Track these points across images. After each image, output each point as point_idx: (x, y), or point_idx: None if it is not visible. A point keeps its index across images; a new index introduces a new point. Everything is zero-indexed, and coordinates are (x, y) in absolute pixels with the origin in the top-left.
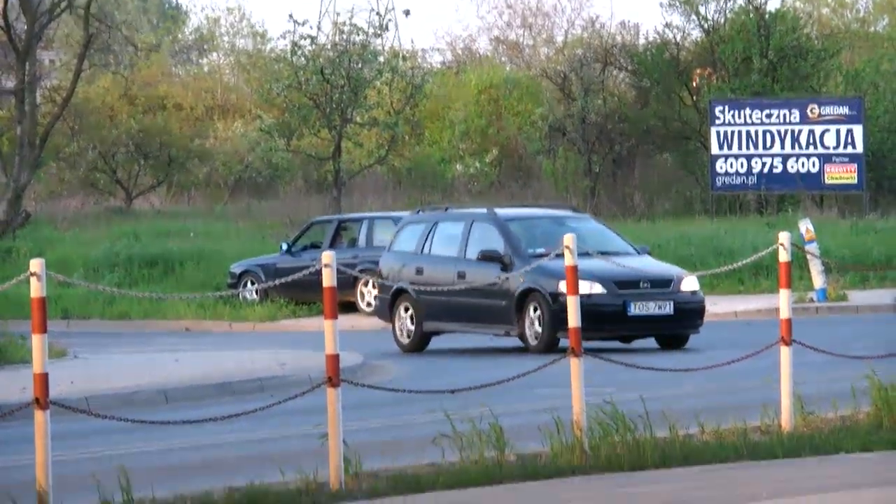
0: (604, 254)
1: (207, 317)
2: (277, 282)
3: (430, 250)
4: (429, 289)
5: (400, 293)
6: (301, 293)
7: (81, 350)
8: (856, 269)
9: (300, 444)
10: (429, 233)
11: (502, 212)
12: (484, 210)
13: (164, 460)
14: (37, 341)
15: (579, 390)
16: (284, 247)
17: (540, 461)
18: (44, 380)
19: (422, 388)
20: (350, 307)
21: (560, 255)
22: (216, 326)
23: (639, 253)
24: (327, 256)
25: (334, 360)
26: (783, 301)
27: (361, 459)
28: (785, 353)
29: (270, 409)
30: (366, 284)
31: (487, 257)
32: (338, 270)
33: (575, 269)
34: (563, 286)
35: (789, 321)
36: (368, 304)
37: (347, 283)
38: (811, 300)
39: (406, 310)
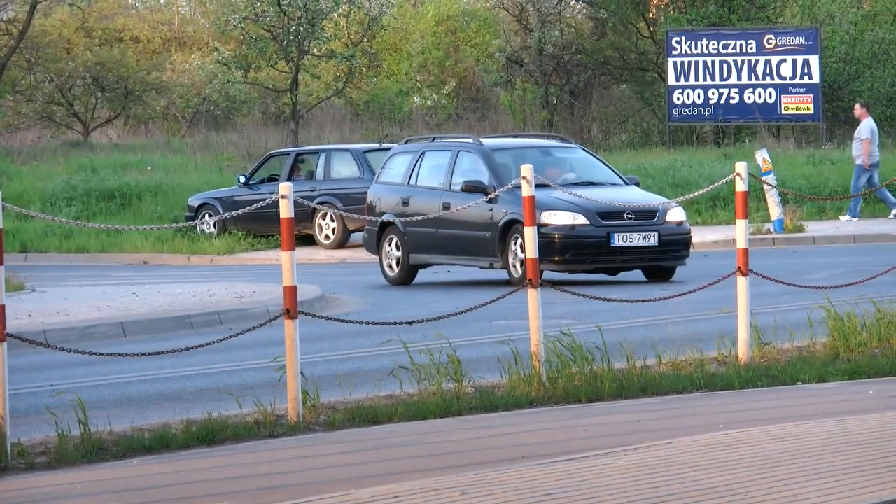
0: (590, 184)
1: (165, 250)
2: (235, 213)
3: (416, 181)
4: (413, 220)
5: (386, 225)
6: (259, 226)
7: (39, 283)
8: (812, 200)
9: (258, 376)
10: (416, 163)
11: (489, 142)
12: (470, 140)
13: (121, 393)
14: None
15: (537, 321)
16: (242, 179)
17: (498, 393)
18: (1, 312)
19: (380, 320)
20: (308, 240)
21: (544, 186)
22: (174, 260)
23: (626, 183)
24: (284, 188)
25: (292, 291)
26: (740, 231)
27: (319, 392)
28: (742, 283)
29: (228, 341)
30: (324, 217)
31: (471, 188)
32: (295, 203)
33: (532, 199)
34: (546, 217)
35: (746, 251)
36: (326, 237)
37: (305, 215)
38: (768, 231)
39: (392, 242)
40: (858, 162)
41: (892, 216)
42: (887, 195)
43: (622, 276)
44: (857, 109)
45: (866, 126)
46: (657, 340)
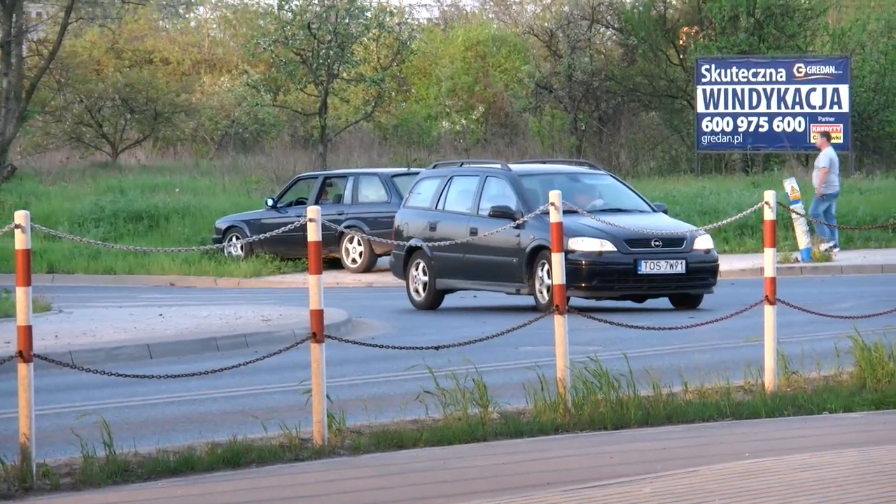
0: (618, 211)
1: (192, 272)
2: (262, 236)
3: (444, 206)
4: (441, 244)
5: (414, 250)
6: (286, 249)
7: (66, 304)
8: (841, 229)
9: (284, 399)
10: (444, 188)
11: (517, 167)
12: (498, 165)
13: (147, 415)
14: (21, 294)
15: (563, 347)
16: (270, 202)
17: (523, 419)
18: (27, 333)
19: (406, 345)
20: (335, 264)
21: (572, 212)
22: (201, 282)
23: (654, 211)
24: (312, 211)
25: (318, 315)
26: (768, 260)
27: (345, 415)
28: (769, 312)
29: (254, 364)
30: (351, 241)
31: (499, 213)
32: (323, 226)
33: (559, 226)
34: (573, 243)
35: (773, 280)
36: (353, 261)
37: (332, 239)
38: (796, 260)
39: (419, 267)
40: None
41: (822, 249)
42: (825, 229)
43: (649, 303)
44: (819, 139)
45: (825, 155)
46: (683, 368)
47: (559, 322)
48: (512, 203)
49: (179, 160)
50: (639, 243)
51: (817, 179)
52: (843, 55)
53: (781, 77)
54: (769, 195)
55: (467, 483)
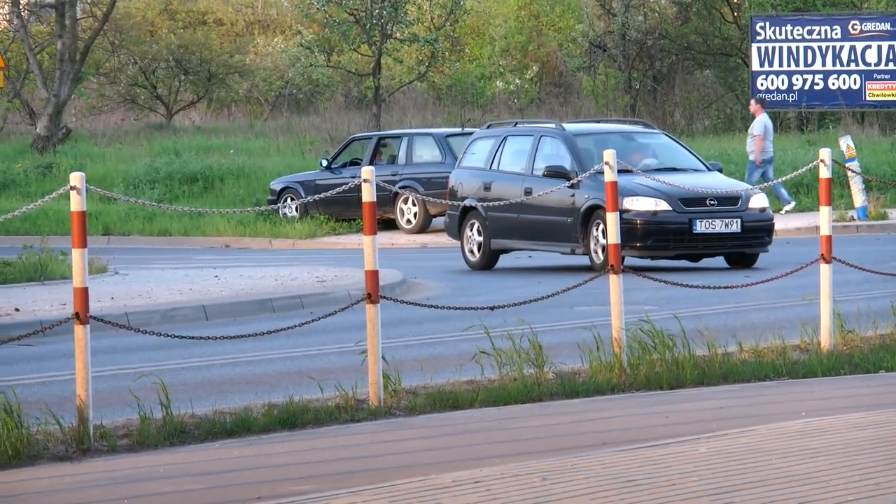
0: (673, 170)
1: (248, 234)
2: (317, 197)
3: (498, 166)
4: (495, 204)
5: (468, 210)
6: (341, 210)
7: (121, 266)
8: (894, 186)
9: (339, 360)
10: (498, 148)
11: (571, 127)
12: (552, 125)
13: (203, 376)
14: (77, 256)
15: (618, 307)
16: (324, 163)
17: (579, 379)
18: (84, 294)
19: (461, 305)
20: (390, 224)
21: (626, 171)
22: (255, 243)
23: (709, 170)
24: (366, 171)
25: (373, 276)
26: (823, 218)
27: (400, 376)
28: (825, 270)
29: (310, 325)
30: (405, 201)
31: (553, 173)
32: (377, 187)
33: (614, 185)
34: (628, 203)
35: (829, 238)
36: (408, 222)
37: (387, 200)
38: (852, 218)
39: (474, 227)
40: (751, 158)
41: (783, 212)
42: (781, 191)
43: (704, 262)
44: (752, 105)
45: (759, 122)
46: (739, 327)
47: (614, 282)
48: (566, 163)
49: (234, 121)
50: (693, 202)
51: (754, 146)
52: None
53: (836, 34)
54: (824, 153)
55: (523, 443)
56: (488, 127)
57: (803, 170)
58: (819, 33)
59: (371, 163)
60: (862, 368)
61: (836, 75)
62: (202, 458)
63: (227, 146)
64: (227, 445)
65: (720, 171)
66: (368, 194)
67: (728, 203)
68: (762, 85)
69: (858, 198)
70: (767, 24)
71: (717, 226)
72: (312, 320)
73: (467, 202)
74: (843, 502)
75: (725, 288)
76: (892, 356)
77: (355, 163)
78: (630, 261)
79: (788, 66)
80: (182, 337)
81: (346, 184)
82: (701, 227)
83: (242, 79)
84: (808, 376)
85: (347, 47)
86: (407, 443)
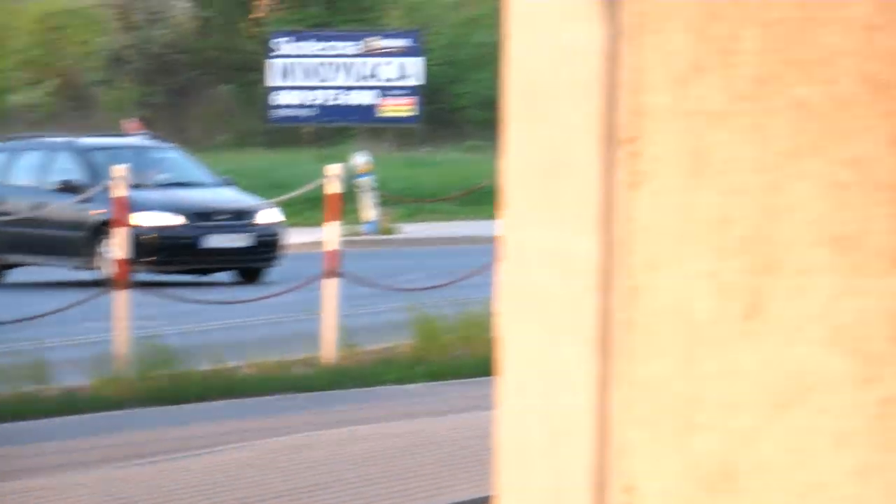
0: (185, 185)
1: None
2: None
3: (11, 180)
4: (4, 219)
5: None
6: None
7: None
8: (406, 202)
9: None
10: (11, 162)
11: (84, 141)
12: (66, 139)
13: None
14: None
15: (125, 322)
16: None
17: (83, 394)
18: None
19: None
20: None
21: (138, 186)
22: None
23: (220, 184)
24: None
25: None
26: (330, 233)
27: None
28: (330, 285)
29: None
30: None
31: (66, 187)
32: None
33: (124, 199)
34: (138, 218)
35: (336, 253)
36: None
37: None
38: (362, 233)
39: None
40: None
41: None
42: None
43: (218, 276)
44: (130, 123)
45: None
46: (247, 342)
47: (121, 297)
48: (78, 177)
49: None
50: (204, 217)
51: None
52: (416, 28)
53: (354, 50)
54: (332, 169)
55: None
56: (8, 141)
57: (311, 186)
58: (337, 49)
59: None
60: (365, 382)
61: (354, 91)
62: None
63: None
64: None
65: (232, 185)
66: None
67: (239, 218)
68: (279, 100)
69: (370, 213)
70: (286, 39)
71: (227, 240)
72: None
73: None
74: None
75: (233, 303)
76: (394, 370)
77: None
78: (146, 276)
79: (306, 81)
80: None
81: None
82: (211, 241)
83: None
84: (311, 390)
85: None
86: None
